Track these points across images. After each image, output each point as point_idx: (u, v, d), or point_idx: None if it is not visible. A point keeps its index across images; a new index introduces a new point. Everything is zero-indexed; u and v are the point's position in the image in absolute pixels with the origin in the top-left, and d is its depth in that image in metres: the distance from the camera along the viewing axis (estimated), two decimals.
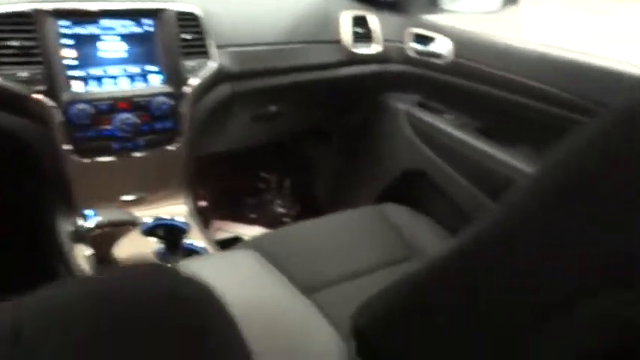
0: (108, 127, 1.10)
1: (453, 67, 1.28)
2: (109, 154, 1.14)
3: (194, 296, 0.45)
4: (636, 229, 0.40)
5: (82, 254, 1.08)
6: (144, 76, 1.13)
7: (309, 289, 0.88)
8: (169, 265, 0.98)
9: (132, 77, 1.12)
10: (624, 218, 0.41)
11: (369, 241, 1.06)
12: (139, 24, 1.12)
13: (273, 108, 1.46)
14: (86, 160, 1.12)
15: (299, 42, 1.36)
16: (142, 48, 1.13)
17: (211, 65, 1.19)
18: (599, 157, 0.44)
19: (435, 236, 1.13)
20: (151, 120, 1.14)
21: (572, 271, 0.44)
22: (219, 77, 1.22)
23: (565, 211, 0.45)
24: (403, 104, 1.47)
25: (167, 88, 1.15)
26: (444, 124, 1.33)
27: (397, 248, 1.05)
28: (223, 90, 1.26)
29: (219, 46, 1.22)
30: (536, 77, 1.07)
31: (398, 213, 1.18)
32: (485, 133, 1.25)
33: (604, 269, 0.42)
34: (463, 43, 1.26)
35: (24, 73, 1.00)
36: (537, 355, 0.45)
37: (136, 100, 1.11)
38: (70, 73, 1.05)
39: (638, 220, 0.40)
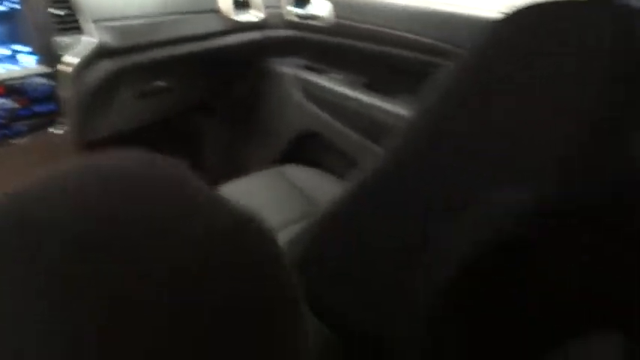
0: None
1: (334, 28, 1.34)
2: None
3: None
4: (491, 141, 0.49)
5: None
6: (13, 57, 1.04)
7: None
8: None
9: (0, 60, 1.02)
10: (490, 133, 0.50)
11: (272, 202, 1.09)
12: (1, 2, 1.01)
13: (158, 84, 1.42)
14: None
15: (177, 12, 1.32)
16: (8, 27, 1.03)
17: (86, 41, 1.12)
18: (454, 98, 0.53)
19: (336, 191, 1.20)
20: (29, 103, 1.05)
21: (457, 185, 0.52)
22: (99, 53, 1.16)
23: (439, 137, 0.54)
24: (290, 69, 1.51)
25: (43, 69, 1.06)
26: (332, 83, 1.39)
27: (300, 206, 1.09)
28: (105, 67, 1.19)
29: (95, 21, 1.15)
30: (410, 29, 1.16)
31: (297, 173, 1.22)
32: (371, 87, 1.34)
33: (492, 173, 0.50)
34: (341, 4, 1.32)
35: None
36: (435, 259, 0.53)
37: (8, 83, 1.02)
38: None
39: (490, 131, 0.49)
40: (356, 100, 1.31)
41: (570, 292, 0.70)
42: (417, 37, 1.15)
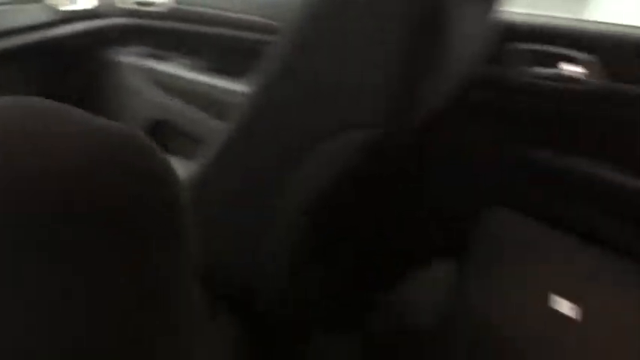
0: None
1: (174, 14, 1.36)
2: None
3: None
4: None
5: None
6: None
7: None
8: None
9: None
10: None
11: None
12: None
13: None
14: None
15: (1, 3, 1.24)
16: None
17: None
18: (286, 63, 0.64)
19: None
20: None
21: (301, 135, 0.63)
22: None
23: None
24: (130, 58, 1.49)
25: None
26: (176, 69, 1.42)
27: None
28: None
29: None
30: (247, 10, 1.25)
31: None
32: (218, 70, 1.39)
33: (327, 122, 0.62)
34: None
35: None
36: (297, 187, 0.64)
37: None
38: None
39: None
40: (202, 83, 1.36)
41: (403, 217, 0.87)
42: (254, 18, 1.24)
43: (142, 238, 0.26)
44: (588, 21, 1.11)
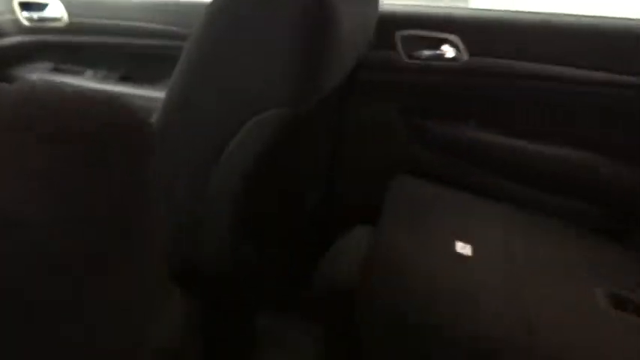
0: None
1: (71, 28, 1.39)
2: None
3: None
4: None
5: None
6: None
7: None
8: None
9: None
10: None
11: None
12: None
13: None
14: None
15: None
16: None
17: None
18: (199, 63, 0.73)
19: None
20: None
21: (229, 115, 0.73)
22: None
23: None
24: (35, 74, 1.49)
25: None
26: (80, 81, 1.44)
27: None
28: None
29: None
30: (148, 19, 1.31)
31: None
32: (128, 78, 1.44)
33: (249, 105, 0.72)
34: (76, 4, 1.37)
35: None
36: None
37: None
38: None
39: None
40: (111, 92, 1.40)
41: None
42: (155, 26, 1.31)
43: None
44: (454, 7, 1.30)
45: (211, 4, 0.71)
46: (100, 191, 0.34)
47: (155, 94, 1.35)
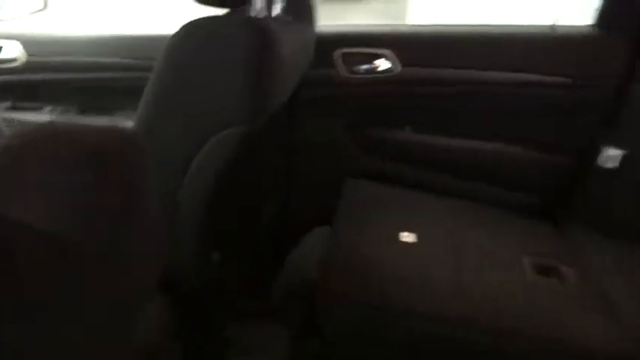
0: None
1: (27, 66, 1.45)
2: None
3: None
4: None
5: None
6: None
7: None
8: None
9: None
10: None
11: None
12: None
13: None
14: None
15: None
16: None
17: None
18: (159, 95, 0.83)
19: None
20: None
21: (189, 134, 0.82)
22: None
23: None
24: None
25: None
26: (44, 117, 1.50)
27: None
28: None
29: None
30: (103, 53, 1.40)
31: None
32: (87, 111, 1.50)
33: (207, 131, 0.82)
34: (31, 43, 1.44)
35: None
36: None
37: None
38: None
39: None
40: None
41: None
42: (111, 59, 1.39)
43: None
44: (386, 25, 1.44)
45: (173, 36, 0.80)
46: (99, 202, 0.42)
47: (114, 125, 1.42)
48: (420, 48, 1.34)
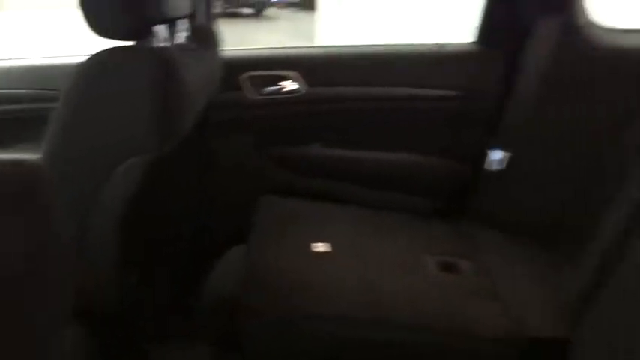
0: None
1: None
2: None
3: None
4: None
5: None
6: None
7: None
8: None
9: None
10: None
11: None
12: None
13: None
14: None
15: None
16: None
17: None
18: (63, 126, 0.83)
19: None
20: None
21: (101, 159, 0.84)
22: None
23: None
24: None
25: None
26: None
27: None
28: None
29: None
30: (13, 84, 1.36)
31: None
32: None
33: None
34: None
35: None
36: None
37: None
38: None
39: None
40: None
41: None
42: (18, 90, 1.35)
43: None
44: (291, 47, 1.52)
45: (78, 66, 0.82)
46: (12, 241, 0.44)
47: (25, 157, 1.38)
48: (324, 69, 1.43)
